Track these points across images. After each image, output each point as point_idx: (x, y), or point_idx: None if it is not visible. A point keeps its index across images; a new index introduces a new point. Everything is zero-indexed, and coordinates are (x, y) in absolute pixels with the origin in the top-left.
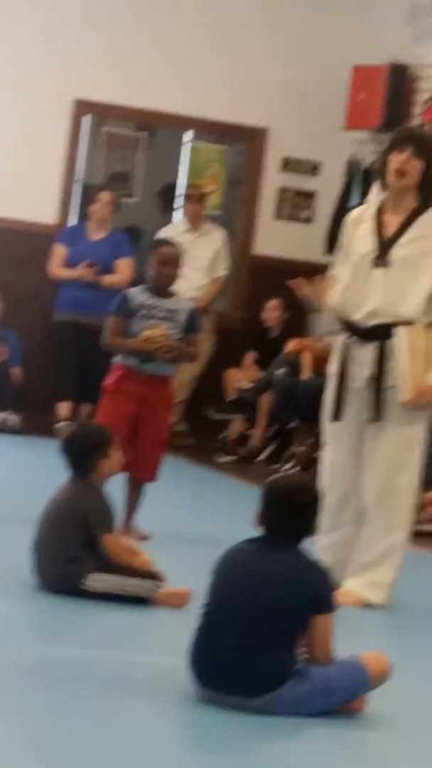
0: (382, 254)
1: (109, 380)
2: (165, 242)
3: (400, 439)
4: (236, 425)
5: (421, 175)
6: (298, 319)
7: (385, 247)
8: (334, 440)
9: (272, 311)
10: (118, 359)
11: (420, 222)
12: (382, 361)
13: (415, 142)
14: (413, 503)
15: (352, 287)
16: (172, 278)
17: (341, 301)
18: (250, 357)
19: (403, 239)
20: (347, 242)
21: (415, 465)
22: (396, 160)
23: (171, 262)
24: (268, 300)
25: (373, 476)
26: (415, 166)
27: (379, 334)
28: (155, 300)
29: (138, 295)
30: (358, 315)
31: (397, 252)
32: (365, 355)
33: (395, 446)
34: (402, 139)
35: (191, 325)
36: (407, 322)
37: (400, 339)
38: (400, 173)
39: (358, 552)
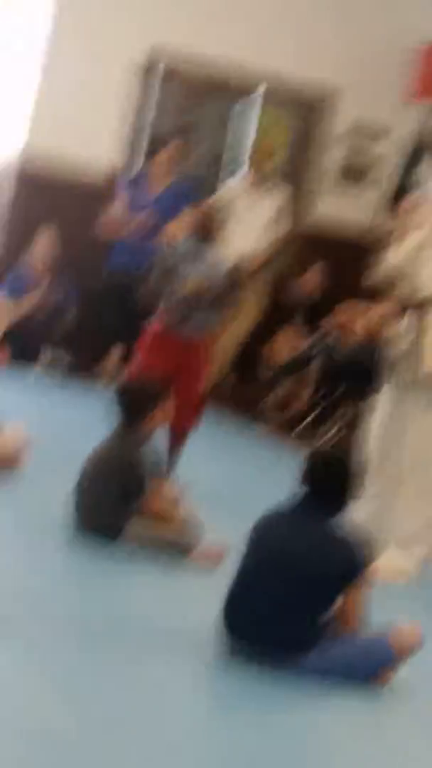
0: None
1: (145, 338)
2: (207, 192)
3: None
4: (284, 388)
5: None
6: (338, 284)
7: None
8: (380, 404)
9: (312, 276)
10: (155, 316)
11: None
12: (418, 333)
13: None
14: None
15: (416, 263)
16: (214, 229)
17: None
18: (299, 320)
19: None
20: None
21: None
22: None
23: (213, 213)
24: (337, 265)
25: (408, 446)
26: None
27: (423, 306)
28: (197, 251)
29: (180, 245)
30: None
31: None
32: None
33: (425, 417)
34: None
35: (232, 277)
36: None
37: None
38: None
39: (394, 524)
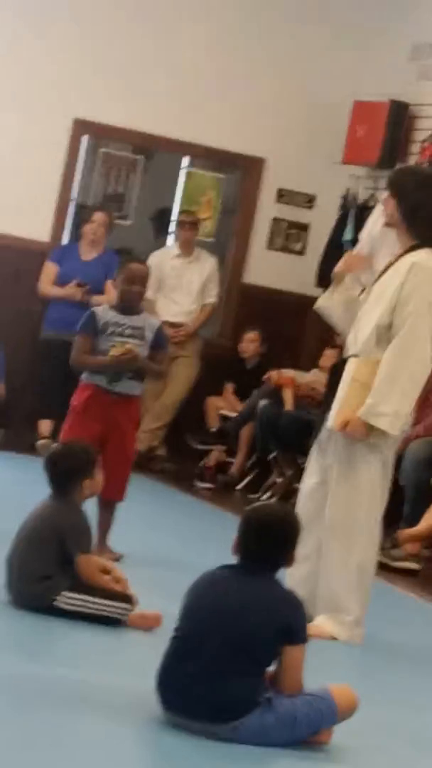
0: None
1: (76, 400)
2: (133, 259)
3: (352, 469)
4: (215, 454)
5: (398, 213)
6: (275, 352)
7: (373, 284)
8: (308, 468)
9: (249, 343)
10: (85, 378)
11: (403, 259)
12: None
13: (389, 182)
14: (371, 536)
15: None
16: (139, 295)
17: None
18: (229, 387)
19: (383, 276)
20: None
21: (370, 497)
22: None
23: (138, 279)
24: (247, 331)
25: (329, 505)
26: (391, 204)
27: (344, 367)
28: (122, 317)
29: (105, 313)
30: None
31: (374, 288)
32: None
33: (347, 478)
34: (389, 182)
35: (158, 342)
36: (361, 356)
37: (347, 370)
38: (386, 214)
39: (320, 588)
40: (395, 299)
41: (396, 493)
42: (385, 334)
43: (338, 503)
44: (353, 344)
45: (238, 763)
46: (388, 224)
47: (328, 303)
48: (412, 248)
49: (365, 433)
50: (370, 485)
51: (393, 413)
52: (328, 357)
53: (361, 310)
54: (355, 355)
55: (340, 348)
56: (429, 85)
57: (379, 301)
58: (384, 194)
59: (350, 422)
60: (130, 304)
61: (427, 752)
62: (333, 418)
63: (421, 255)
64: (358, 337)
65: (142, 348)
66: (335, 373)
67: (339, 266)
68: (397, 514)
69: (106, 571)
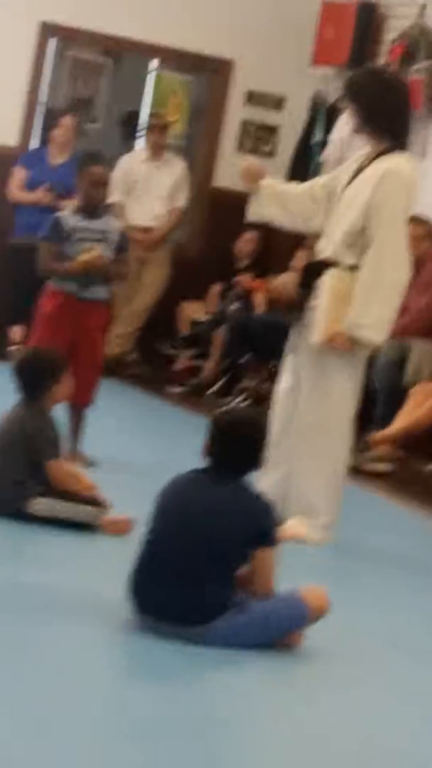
0: (341, 194)
1: (45, 306)
2: (93, 161)
3: (324, 373)
4: (183, 360)
5: (362, 117)
6: (268, 254)
7: (345, 188)
8: (284, 372)
9: (247, 243)
10: (52, 283)
11: (375, 164)
12: (308, 292)
13: (344, 90)
14: (343, 440)
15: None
16: (101, 198)
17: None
18: (215, 288)
19: (356, 181)
20: (337, 175)
21: (342, 400)
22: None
23: (101, 182)
24: (241, 232)
25: (301, 410)
26: (351, 108)
27: (318, 270)
28: (87, 222)
29: (69, 218)
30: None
31: (346, 192)
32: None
33: (319, 380)
34: (345, 87)
35: (122, 245)
36: (335, 262)
37: (326, 281)
38: (351, 122)
39: (295, 493)
40: (368, 204)
41: (368, 395)
42: (357, 239)
43: (310, 408)
44: (325, 247)
45: (209, 665)
46: (354, 131)
47: (260, 211)
48: (385, 151)
49: (350, 346)
50: (342, 390)
51: (376, 323)
52: (300, 258)
53: (333, 214)
54: (329, 260)
55: (311, 248)
56: None
57: (351, 206)
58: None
59: (335, 336)
60: (93, 207)
61: (400, 652)
62: (316, 332)
63: (394, 160)
64: (329, 241)
65: (107, 252)
66: (307, 273)
67: (243, 178)
68: (370, 416)
69: (77, 479)
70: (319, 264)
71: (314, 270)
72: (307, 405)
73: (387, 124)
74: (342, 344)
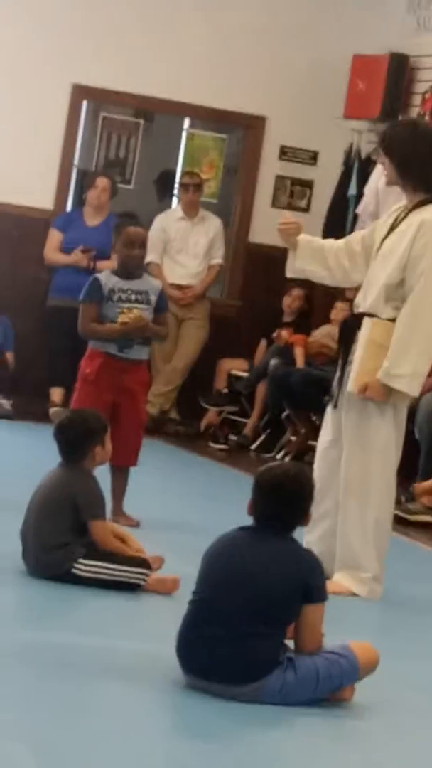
0: (380, 247)
1: (86, 367)
2: (130, 222)
3: (364, 424)
4: (210, 415)
5: (396, 170)
6: (311, 309)
7: (383, 240)
8: (325, 426)
9: (294, 299)
10: (93, 345)
11: (411, 216)
12: (348, 348)
13: (379, 142)
14: (387, 491)
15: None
16: (139, 259)
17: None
18: (262, 344)
19: (393, 233)
20: (373, 230)
21: (383, 451)
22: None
23: (137, 242)
24: (280, 288)
25: (343, 463)
26: (387, 164)
27: (356, 323)
28: (125, 282)
29: (108, 279)
30: (354, 305)
31: (384, 245)
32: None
33: (360, 431)
34: (379, 140)
35: (161, 305)
36: (372, 315)
37: (363, 331)
38: (386, 174)
39: (338, 545)
40: (406, 257)
41: (411, 446)
42: (395, 292)
43: (353, 461)
44: (363, 301)
45: (260, 724)
46: (389, 183)
47: (298, 267)
48: (421, 203)
49: (385, 396)
50: (384, 442)
51: (411, 374)
52: (339, 310)
53: (371, 268)
54: (367, 313)
55: (350, 301)
56: (428, 35)
57: (388, 258)
58: (380, 155)
59: (369, 385)
60: (131, 268)
61: None
62: (352, 381)
63: (429, 211)
64: (367, 294)
65: (147, 312)
66: (346, 328)
67: (281, 234)
68: (413, 467)
69: (122, 540)
70: (356, 318)
71: (352, 325)
72: (350, 458)
73: (421, 176)
74: (376, 393)
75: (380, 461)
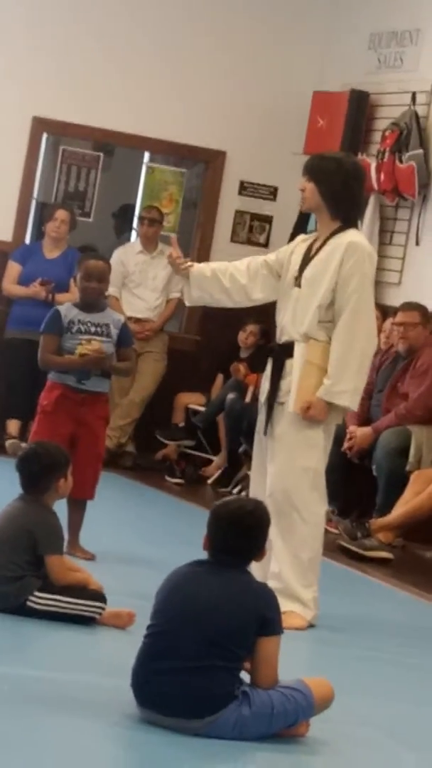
0: (299, 275)
1: (44, 399)
2: (90, 256)
3: (290, 454)
4: (169, 449)
5: (319, 197)
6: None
7: (302, 268)
8: (254, 456)
9: (249, 335)
10: (52, 377)
11: (332, 242)
12: (278, 377)
13: (307, 168)
14: (313, 511)
15: (278, 308)
16: (96, 292)
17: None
18: (219, 378)
19: (315, 259)
20: (281, 258)
21: (314, 477)
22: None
23: (96, 275)
24: (239, 323)
25: (268, 487)
26: (310, 189)
27: (285, 351)
28: (85, 315)
29: (69, 311)
30: (278, 333)
31: (306, 272)
32: (269, 370)
33: (285, 461)
34: (307, 167)
35: (124, 339)
36: (307, 339)
37: (296, 355)
38: (304, 198)
39: (271, 576)
40: (335, 278)
41: (368, 482)
42: (325, 314)
43: (277, 484)
44: (291, 328)
45: (215, 758)
46: (307, 208)
47: (196, 295)
48: (338, 230)
49: (327, 414)
50: (315, 464)
51: (352, 389)
52: (249, 334)
53: (293, 294)
54: (296, 340)
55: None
56: (388, 73)
57: (316, 283)
58: (301, 180)
59: (312, 404)
60: (90, 300)
61: (402, 742)
62: (292, 402)
63: (352, 235)
64: (296, 321)
65: (108, 345)
66: (275, 356)
67: (173, 269)
68: (370, 503)
69: (77, 573)
70: (283, 347)
71: (280, 353)
72: (274, 482)
73: (345, 209)
74: (318, 412)
75: (304, 483)
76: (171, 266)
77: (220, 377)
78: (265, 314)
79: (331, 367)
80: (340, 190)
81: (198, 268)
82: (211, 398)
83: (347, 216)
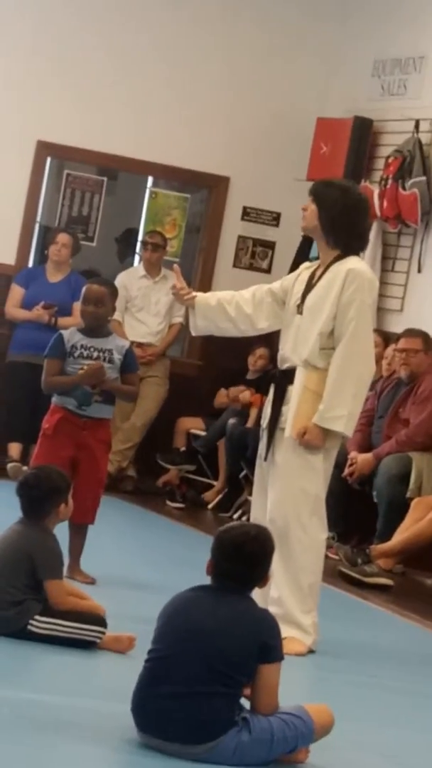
0: (301, 302)
1: (46, 423)
2: (94, 280)
3: (290, 480)
4: (171, 473)
5: (318, 222)
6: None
7: (304, 295)
8: (255, 481)
9: (258, 359)
10: (55, 401)
11: (333, 269)
12: (280, 403)
13: (312, 191)
14: (312, 535)
15: (281, 335)
16: (93, 316)
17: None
18: (222, 391)
19: (317, 287)
20: (285, 285)
21: (314, 503)
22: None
23: (92, 299)
24: (254, 348)
25: (269, 513)
26: (312, 210)
27: (287, 377)
28: (89, 340)
29: (72, 335)
30: (279, 360)
31: (308, 299)
32: (271, 396)
33: (285, 487)
34: (312, 190)
35: (128, 364)
36: (308, 366)
37: (296, 381)
38: (304, 218)
39: (271, 602)
40: (335, 307)
41: (369, 508)
42: (326, 342)
43: (277, 510)
44: (293, 355)
45: None
46: (306, 230)
47: (202, 325)
48: (338, 257)
49: (322, 439)
50: (315, 490)
51: (347, 415)
52: (258, 357)
53: (296, 323)
54: (297, 366)
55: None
56: (392, 100)
57: (318, 310)
58: (307, 200)
59: (308, 430)
60: (89, 324)
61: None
62: (289, 427)
63: (353, 262)
64: (298, 348)
65: (111, 370)
66: (276, 382)
67: (177, 300)
68: (370, 529)
69: (78, 597)
70: (285, 373)
71: (282, 379)
72: (274, 507)
73: (344, 238)
74: (314, 437)
75: (304, 508)
76: (174, 297)
77: (222, 391)
78: (274, 338)
79: (326, 392)
80: (338, 217)
81: (203, 297)
82: (212, 410)
83: (347, 245)
